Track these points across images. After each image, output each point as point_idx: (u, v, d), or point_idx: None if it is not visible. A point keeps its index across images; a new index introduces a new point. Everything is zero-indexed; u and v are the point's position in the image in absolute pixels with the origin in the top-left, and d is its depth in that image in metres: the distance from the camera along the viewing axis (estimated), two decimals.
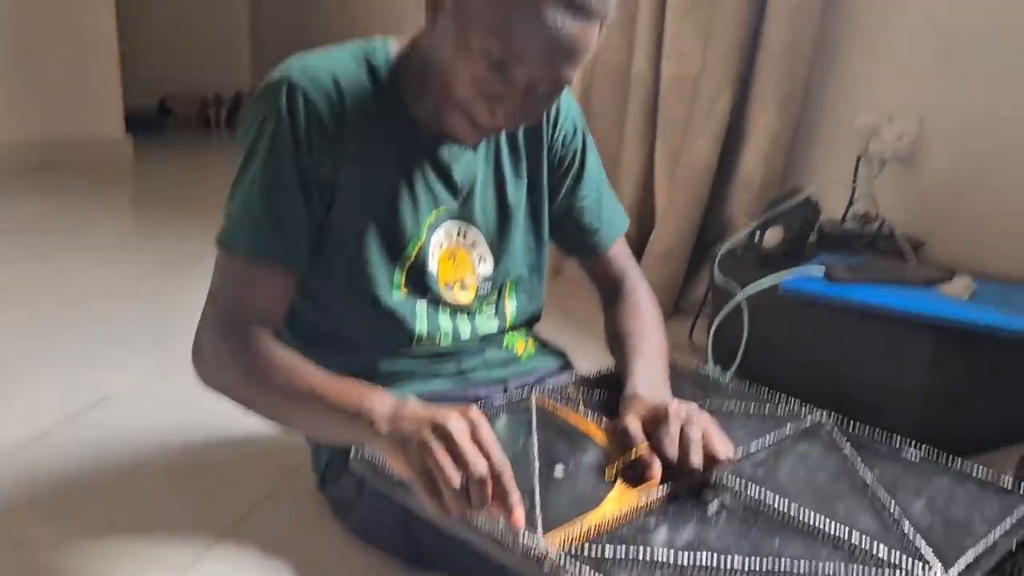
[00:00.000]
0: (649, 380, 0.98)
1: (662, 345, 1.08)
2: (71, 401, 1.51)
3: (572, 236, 1.17)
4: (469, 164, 1.04)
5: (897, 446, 0.94)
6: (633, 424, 0.87)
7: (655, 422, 0.87)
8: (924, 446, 0.93)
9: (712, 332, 1.64)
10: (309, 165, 0.93)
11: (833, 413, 1.00)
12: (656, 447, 0.84)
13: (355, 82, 0.96)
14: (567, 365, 1.18)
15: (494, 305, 1.11)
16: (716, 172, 2.04)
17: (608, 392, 1.03)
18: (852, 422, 0.98)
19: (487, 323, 1.10)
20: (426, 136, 1.00)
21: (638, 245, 2.15)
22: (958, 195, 1.73)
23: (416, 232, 1.01)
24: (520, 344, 1.14)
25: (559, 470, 0.85)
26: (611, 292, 1.20)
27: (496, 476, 0.72)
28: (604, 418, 0.96)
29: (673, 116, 2.08)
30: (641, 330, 1.10)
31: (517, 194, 1.09)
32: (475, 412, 0.75)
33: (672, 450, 0.83)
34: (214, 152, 4.78)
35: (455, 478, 0.71)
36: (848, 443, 0.95)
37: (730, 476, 0.85)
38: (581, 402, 1.01)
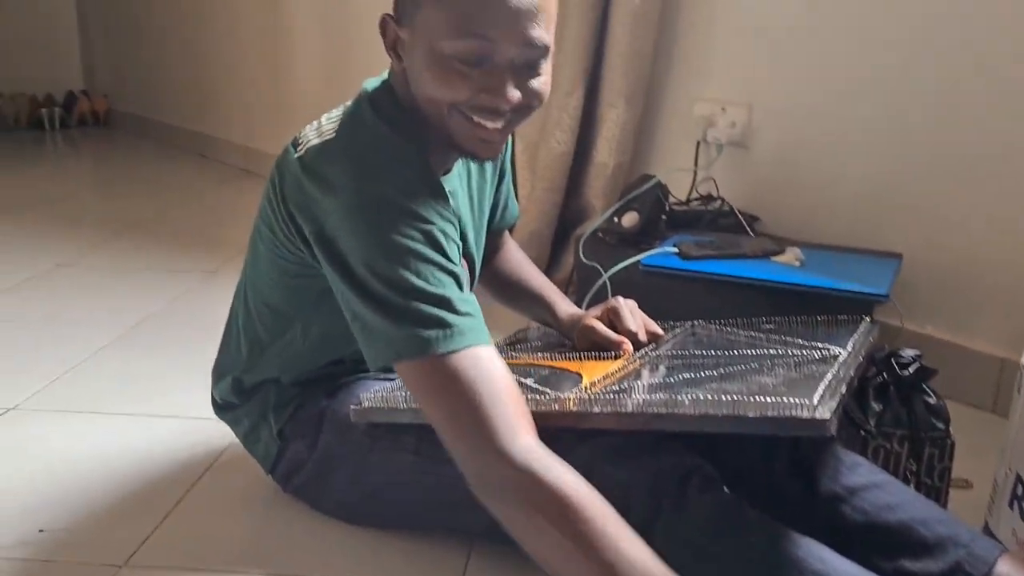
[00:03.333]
0: (569, 303, 1.27)
1: (550, 281, 1.34)
2: None
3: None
4: (460, 199, 1.08)
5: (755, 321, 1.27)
6: (595, 323, 1.15)
7: (612, 313, 1.17)
8: (775, 319, 1.26)
9: (583, 308, 1.81)
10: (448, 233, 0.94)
11: (699, 321, 1.30)
12: (622, 330, 1.14)
13: (411, 158, 0.96)
14: None
15: None
16: (573, 160, 2.21)
17: (522, 346, 1.28)
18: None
19: None
20: (437, 181, 0.99)
21: None
22: (785, 175, 1.97)
23: None
24: None
25: (530, 381, 1.04)
26: (489, 254, 1.34)
27: None
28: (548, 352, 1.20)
29: None
30: (533, 273, 1.34)
31: (486, 218, 1.18)
32: None
33: (635, 327, 1.15)
34: (51, 155, 4.59)
35: None
36: (722, 328, 1.25)
37: (660, 353, 1.15)
38: (508, 351, 1.24)
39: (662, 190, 1.88)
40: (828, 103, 1.88)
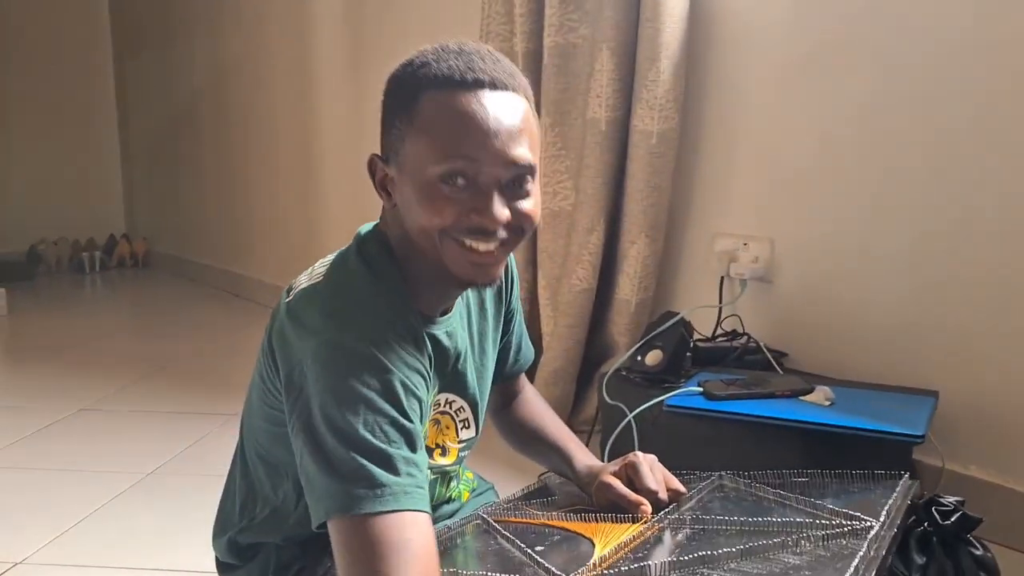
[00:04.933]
0: (588, 454, 1.18)
1: (570, 430, 1.26)
2: None
3: (497, 369, 1.21)
4: (460, 338, 1.04)
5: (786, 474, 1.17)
6: (612, 479, 1.07)
7: (631, 469, 1.08)
8: (808, 472, 1.16)
9: (607, 449, 1.75)
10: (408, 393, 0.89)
11: (726, 472, 1.21)
12: (641, 488, 1.06)
13: (387, 301, 0.94)
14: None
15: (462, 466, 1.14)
16: (595, 297, 2.19)
17: (540, 500, 1.19)
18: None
19: (459, 487, 1.16)
20: (425, 322, 0.98)
21: (528, 369, 2.26)
22: (811, 310, 1.93)
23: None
24: (466, 492, 1.20)
25: (540, 550, 0.97)
26: (506, 402, 1.29)
27: None
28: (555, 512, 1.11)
29: (551, 248, 2.24)
30: (551, 421, 1.26)
31: (486, 358, 1.12)
32: None
33: (655, 485, 1.06)
34: (89, 297, 4.69)
35: None
36: (750, 483, 1.15)
37: (682, 516, 1.06)
38: (525, 507, 1.14)
39: (686, 327, 1.84)
40: (851, 235, 1.85)
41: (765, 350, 1.86)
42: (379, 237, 1.00)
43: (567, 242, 2.20)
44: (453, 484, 1.16)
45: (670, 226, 2.14)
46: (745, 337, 1.93)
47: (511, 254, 1.10)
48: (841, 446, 1.49)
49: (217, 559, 1.19)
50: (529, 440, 1.28)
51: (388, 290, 0.95)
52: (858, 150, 1.83)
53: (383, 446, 0.84)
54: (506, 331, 1.21)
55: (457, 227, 0.89)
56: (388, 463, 0.83)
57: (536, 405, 1.32)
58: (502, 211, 0.89)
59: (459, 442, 1.09)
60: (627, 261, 2.12)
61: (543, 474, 1.33)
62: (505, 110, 0.88)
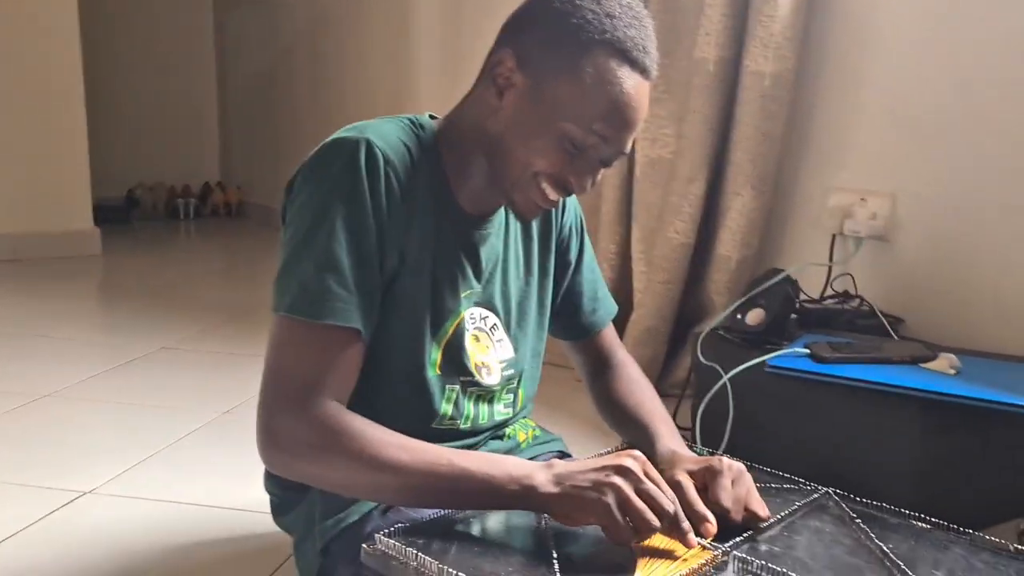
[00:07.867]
0: (678, 440, 1.03)
1: (667, 413, 1.13)
2: (37, 506, 1.45)
3: (568, 319, 1.18)
4: (493, 248, 1.03)
5: (905, 517, 0.96)
6: (684, 479, 0.90)
7: (708, 475, 0.91)
8: (930, 517, 0.95)
9: (699, 413, 1.63)
10: (386, 228, 0.90)
11: (834, 489, 1.01)
12: (712, 501, 0.88)
13: (416, 152, 0.95)
14: (564, 452, 1.17)
15: (512, 392, 1.08)
16: (693, 252, 2.05)
17: None
18: (854, 497, 0.99)
19: (503, 410, 1.07)
20: (463, 216, 0.99)
21: (617, 328, 2.14)
22: (934, 273, 1.75)
23: (455, 309, 0.98)
24: (522, 433, 1.11)
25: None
26: (599, 369, 1.21)
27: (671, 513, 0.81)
28: None
29: (648, 199, 2.11)
30: (648, 399, 1.15)
31: (529, 280, 1.09)
32: (636, 453, 0.83)
33: (729, 502, 0.88)
34: (182, 242, 4.76)
35: (654, 521, 0.78)
36: (857, 517, 0.95)
37: (748, 553, 0.84)
38: None
39: (792, 286, 1.69)
40: (986, 191, 1.67)
41: (880, 314, 1.70)
42: (448, 122, 1.00)
43: (665, 192, 2.06)
44: (499, 408, 1.06)
45: (780, 178, 1.98)
46: (858, 300, 1.77)
47: None
48: (969, 421, 1.33)
49: (271, 501, 1.13)
50: (620, 415, 1.17)
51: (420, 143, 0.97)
52: (998, 96, 1.64)
53: (340, 256, 0.87)
54: (564, 264, 1.14)
55: (548, 174, 0.92)
56: (341, 273, 0.87)
57: (635, 382, 1.20)
58: (590, 183, 0.95)
59: (499, 361, 1.04)
60: (730, 215, 1.98)
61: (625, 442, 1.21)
62: (645, 107, 0.93)
